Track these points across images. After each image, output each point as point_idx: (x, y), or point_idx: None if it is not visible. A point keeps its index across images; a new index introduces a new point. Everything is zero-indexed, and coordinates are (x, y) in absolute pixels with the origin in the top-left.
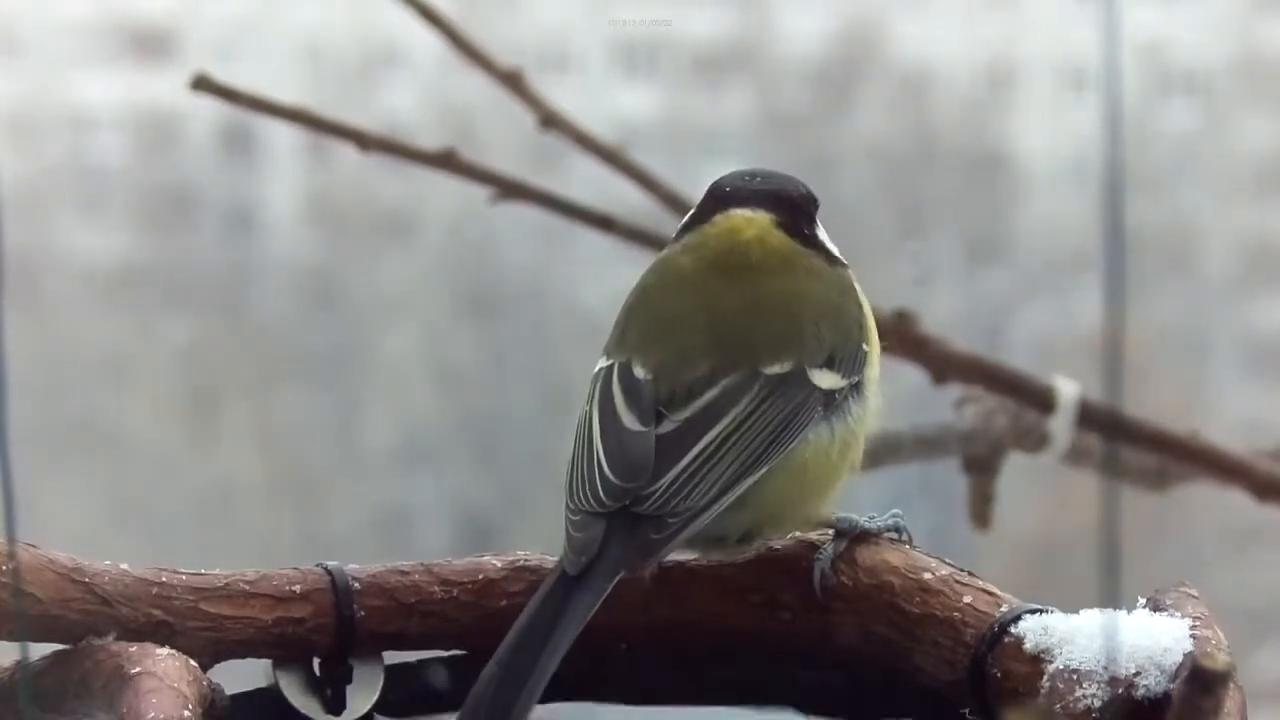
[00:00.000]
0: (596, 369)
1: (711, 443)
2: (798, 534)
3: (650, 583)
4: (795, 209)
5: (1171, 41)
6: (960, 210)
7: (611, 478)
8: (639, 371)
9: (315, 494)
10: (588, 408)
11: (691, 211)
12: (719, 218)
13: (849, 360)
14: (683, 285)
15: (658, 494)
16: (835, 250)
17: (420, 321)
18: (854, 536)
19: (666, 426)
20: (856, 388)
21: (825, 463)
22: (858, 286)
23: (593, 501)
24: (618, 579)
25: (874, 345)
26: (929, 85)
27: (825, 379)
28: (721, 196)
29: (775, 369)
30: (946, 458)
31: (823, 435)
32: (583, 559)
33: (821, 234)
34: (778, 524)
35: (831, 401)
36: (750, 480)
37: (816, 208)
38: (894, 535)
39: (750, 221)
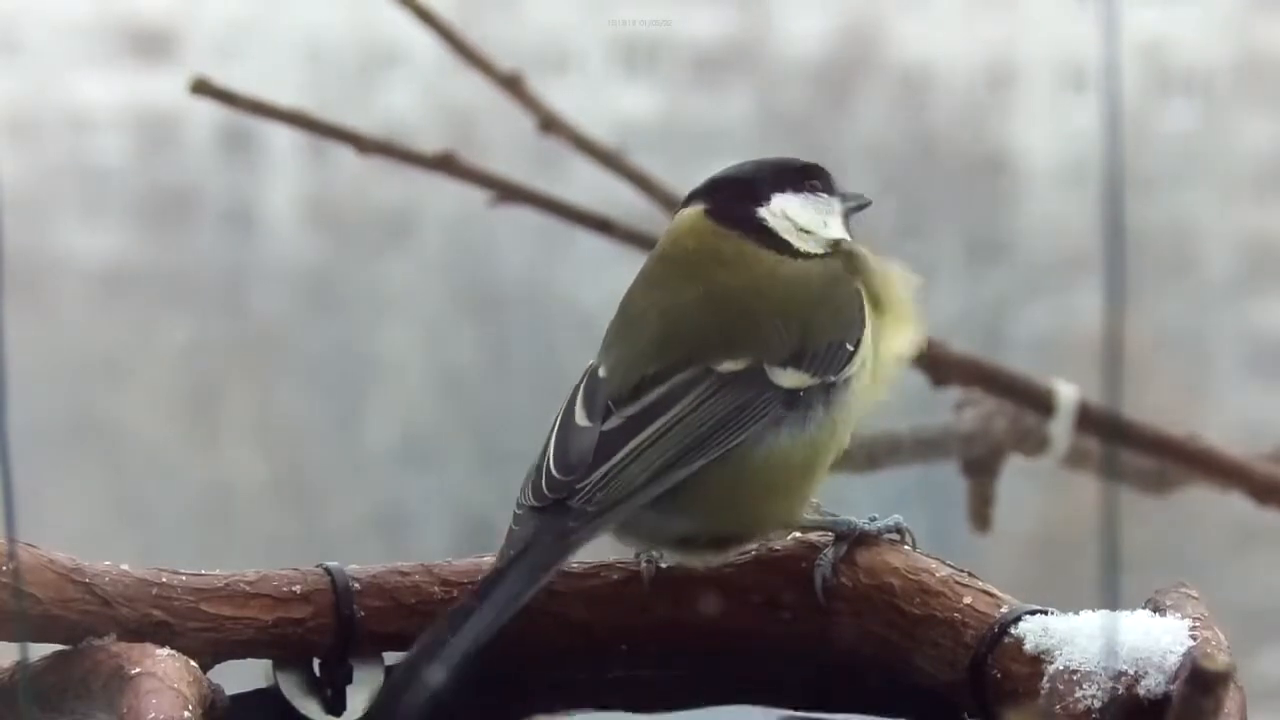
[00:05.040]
0: None
1: (649, 437)
2: (797, 535)
3: (649, 584)
4: (737, 195)
5: (1171, 41)
6: (960, 210)
7: (554, 472)
8: (601, 371)
9: (315, 494)
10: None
11: None
12: (676, 214)
13: (823, 358)
14: (646, 284)
15: (588, 487)
16: (799, 234)
17: (420, 321)
18: (854, 539)
19: (612, 422)
20: (831, 387)
21: (785, 464)
22: (857, 282)
23: (533, 497)
24: (545, 572)
25: (867, 343)
26: (929, 85)
27: (788, 378)
28: (689, 197)
29: (729, 366)
30: (946, 460)
31: (781, 436)
32: (510, 552)
33: (779, 217)
34: (743, 526)
35: (795, 401)
36: (680, 473)
37: (798, 180)
38: (894, 537)
39: (684, 216)
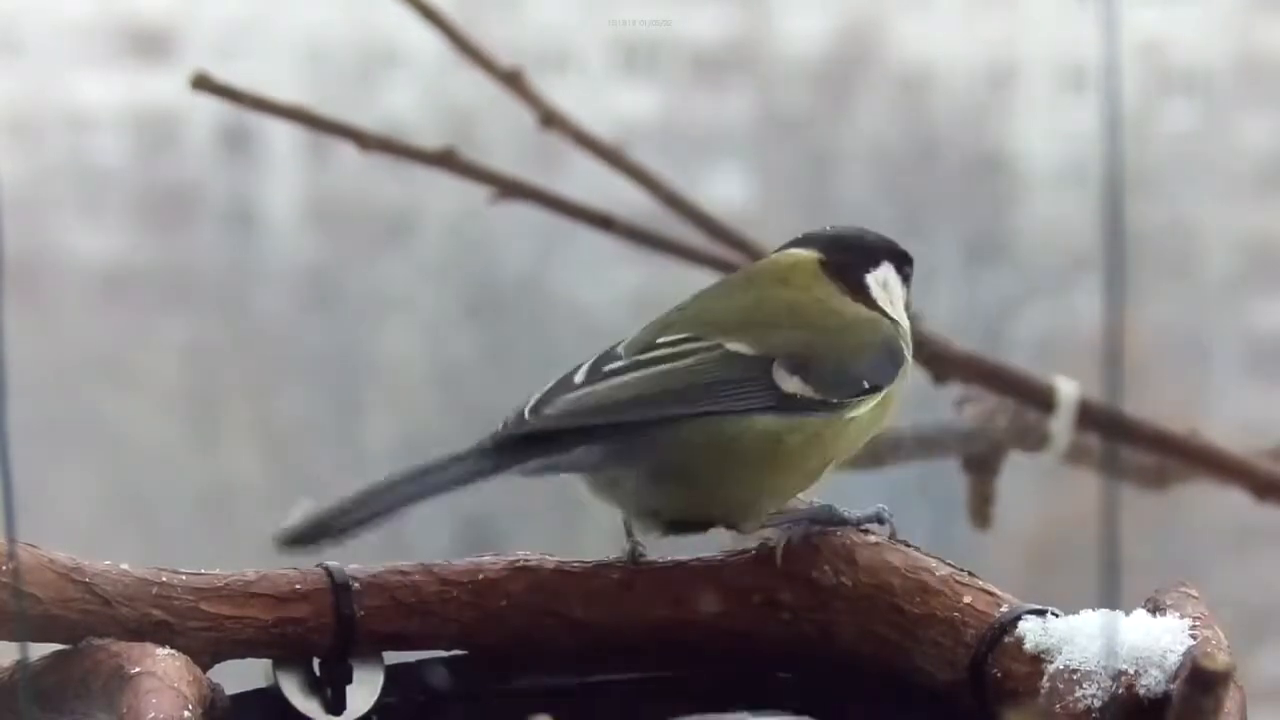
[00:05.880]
0: None
1: (642, 373)
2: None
3: (647, 584)
4: (851, 252)
5: (1171, 41)
6: (960, 210)
7: (525, 413)
8: (619, 348)
9: (315, 494)
10: None
11: None
12: (774, 253)
13: (827, 379)
14: (717, 287)
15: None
16: (889, 305)
17: (420, 321)
18: (831, 522)
19: (616, 365)
20: (832, 409)
21: (762, 449)
22: (908, 355)
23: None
24: (477, 476)
25: (890, 396)
26: (929, 85)
27: (790, 383)
28: (789, 242)
29: (737, 347)
30: (946, 457)
31: (764, 423)
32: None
33: (879, 286)
34: (706, 502)
35: (792, 404)
36: (644, 410)
37: (900, 261)
38: (876, 525)
39: (793, 255)
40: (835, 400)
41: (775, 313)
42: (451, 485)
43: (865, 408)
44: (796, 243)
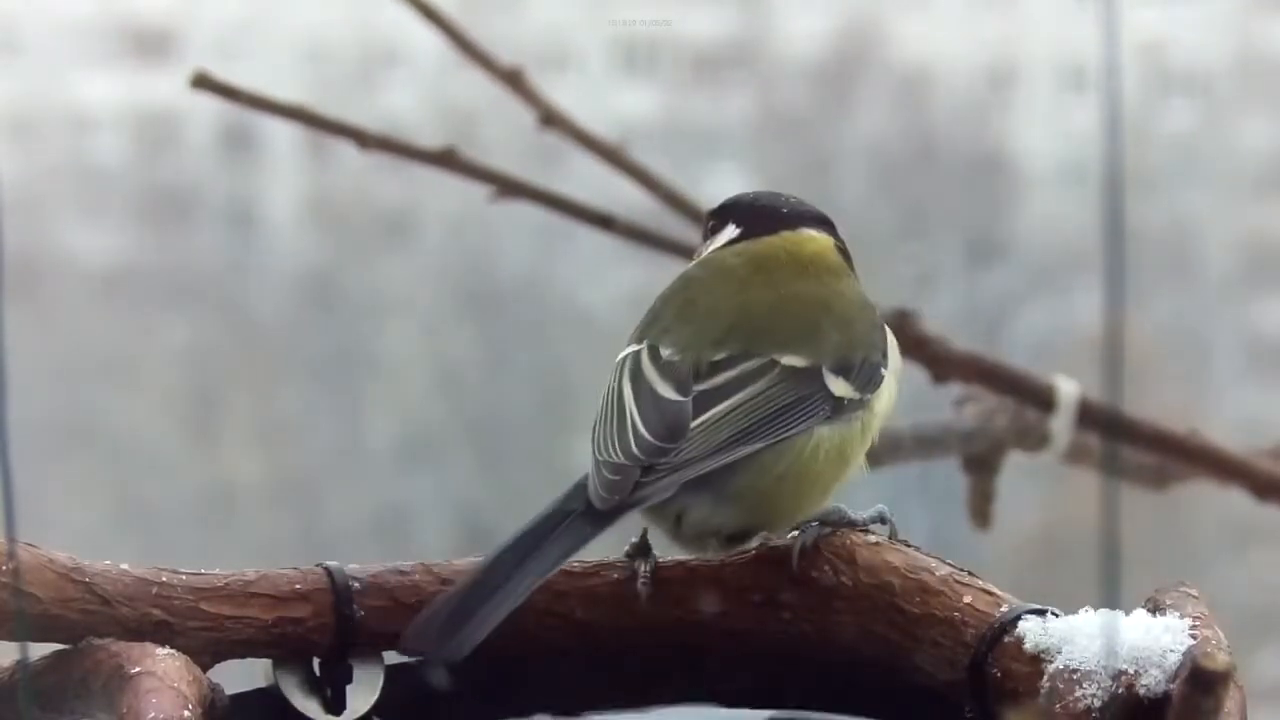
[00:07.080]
0: (623, 354)
1: (721, 412)
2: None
3: (648, 584)
4: (831, 225)
5: (1171, 41)
6: (960, 210)
7: (647, 436)
8: (665, 352)
9: (315, 494)
10: (615, 384)
11: (741, 226)
12: (786, 233)
13: (865, 375)
14: (723, 279)
15: (683, 448)
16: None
17: (420, 321)
18: (840, 523)
19: (673, 398)
20: (865, 404)
21: (826, 460)
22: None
23: (622, 454)
24: (607, 521)
25: (893, 374)
26: (929, 85)
27: (838, 386)
28: (780, 217)
29: (791, 361)
30: (946, 457)
31: (825, 434)
32: (615, 497)
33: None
34: (770, 517)
35: (841, 407)
36: (742, 450)
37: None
38: (878, 525)
39: (813, 239)
40: (869, 395)
41: (815, 316)
42: (561, 560)
43: (886, 394)
44: (800, 220)
